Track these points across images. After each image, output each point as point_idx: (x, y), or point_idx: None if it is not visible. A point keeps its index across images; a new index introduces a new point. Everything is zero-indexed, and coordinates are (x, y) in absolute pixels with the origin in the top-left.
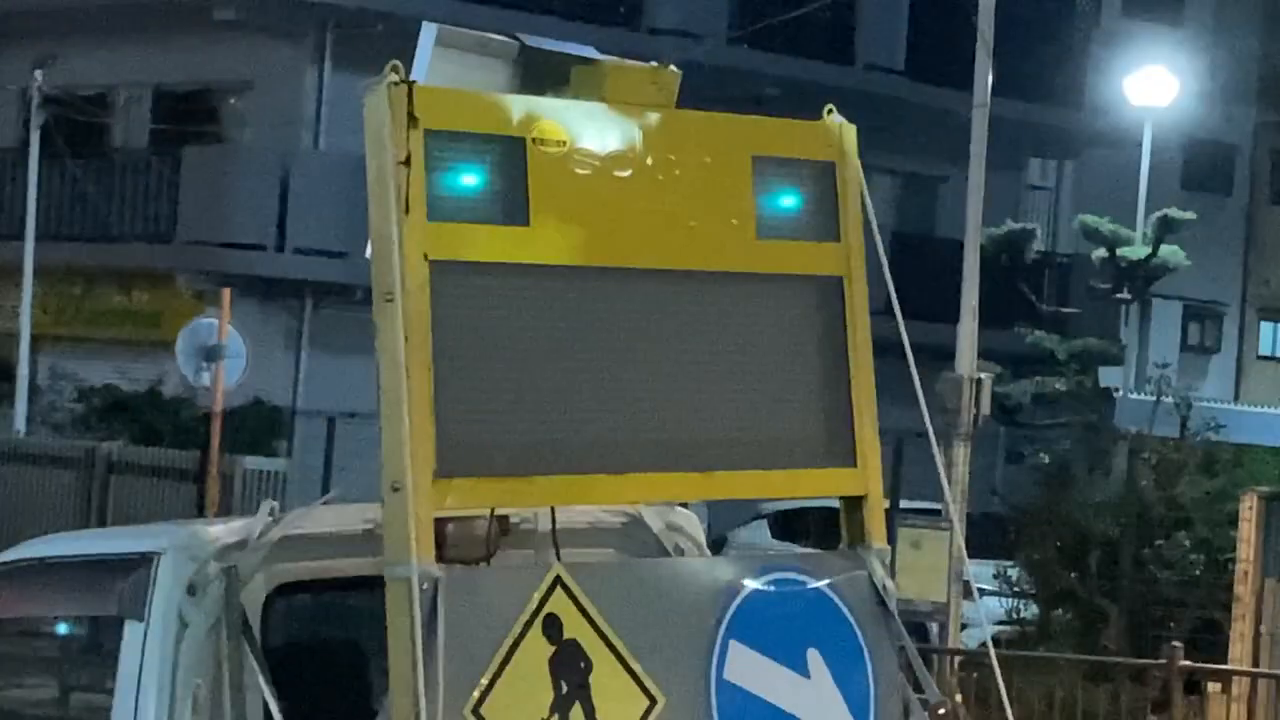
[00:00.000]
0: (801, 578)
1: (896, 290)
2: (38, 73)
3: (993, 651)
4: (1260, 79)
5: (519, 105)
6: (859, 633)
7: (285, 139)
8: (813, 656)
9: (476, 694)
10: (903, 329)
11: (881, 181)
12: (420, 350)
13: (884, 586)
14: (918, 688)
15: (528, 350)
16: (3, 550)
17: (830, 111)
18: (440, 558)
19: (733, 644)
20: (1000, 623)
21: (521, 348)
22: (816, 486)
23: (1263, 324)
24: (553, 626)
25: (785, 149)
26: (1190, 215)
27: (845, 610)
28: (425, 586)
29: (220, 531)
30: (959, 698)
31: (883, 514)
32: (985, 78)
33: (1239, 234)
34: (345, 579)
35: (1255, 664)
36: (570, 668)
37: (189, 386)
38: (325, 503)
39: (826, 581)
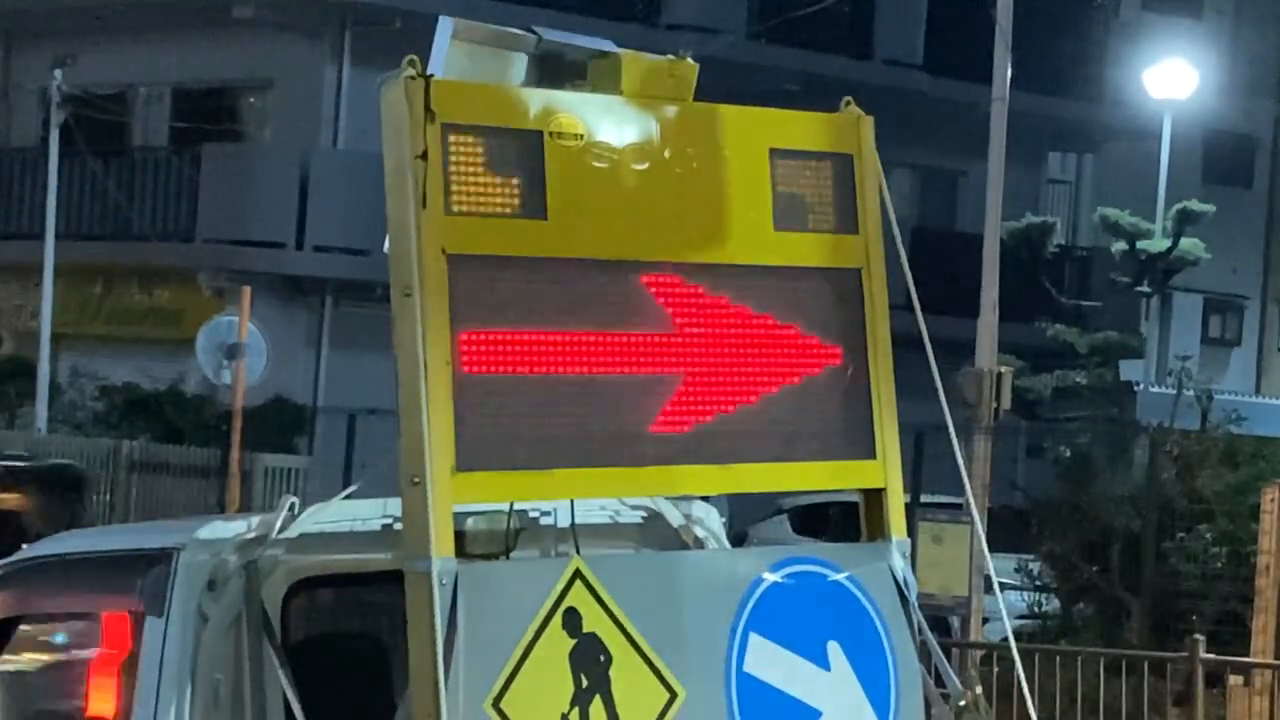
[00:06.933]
0: (821, 570)
1: (916, 284)
2: (57, 72)
3: (1014, 645)
4: None
5: (536, 99)
6: (880, 625)
7: (304, 136)
8: (833, 649)
9: (497, 688)
10: (922, 323)
11: (901, 176)
12: (438, 344)
13: (904, 579)
14: (939, 681)
15: (546, 343)
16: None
17: (848, 104)
18: (460, 552)
19: (753, 636)
20: (1022, 616)
21: (540, 341)
22: (836, 479)
23: None
24: (572, 620)
25: (803, 141)
26: (1210, 208)
27: (866, 603)
28: (445, 581)
29: (240, 527)
30: (979, 690)
31: (903, 506)
32: (1004, 71)
33: (1259, 226)
34: (365, 574)
35: (1277, 657)
36: (590, 661)
37: (210, 384)
38: (345, 498)
39: (847, 574)
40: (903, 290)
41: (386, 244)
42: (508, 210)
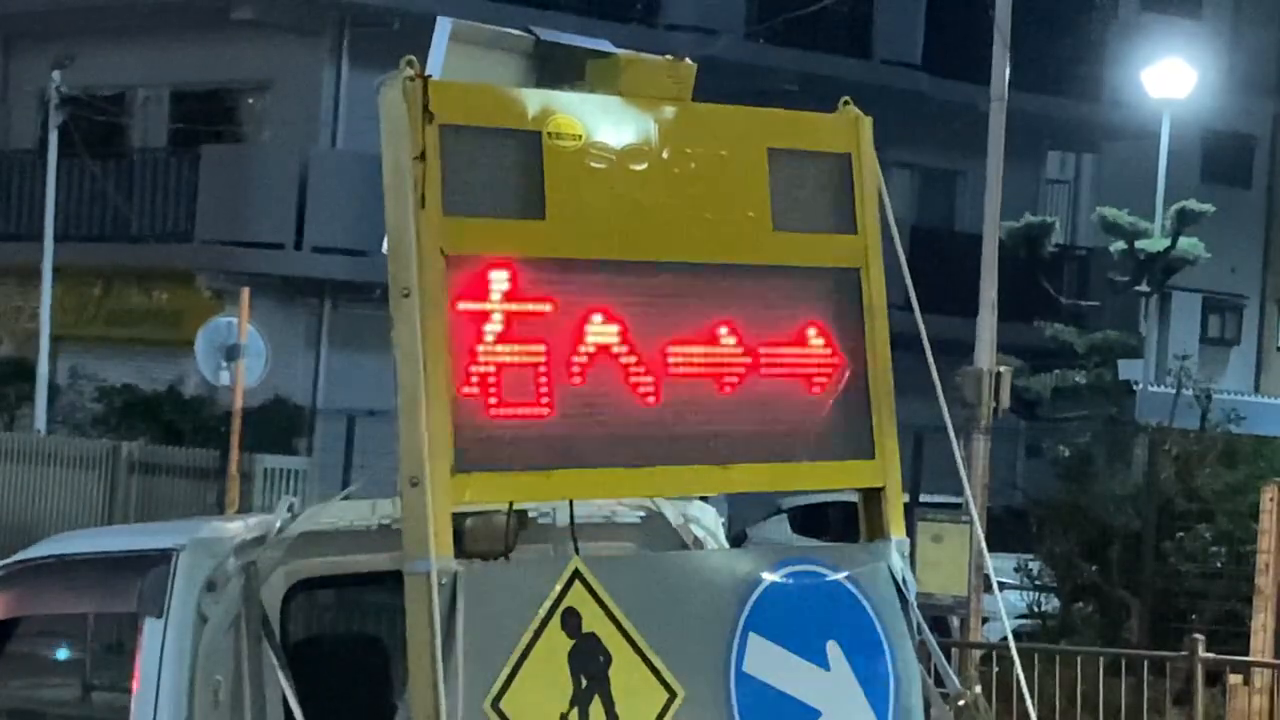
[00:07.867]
0: (821, 570)
1: (915, 284)
2: (56, 73)
3: (1014, 645)
4: (1279, 70)
5: (534, 99)
6: (879, 625)
7: (303, 137)
8: (832, 649)
9: (496, 688)
10: (921, 323)
11: (900, 176)
12: (437, 345)
13: (903, 578)
14: (939, 681)
15: (545, 343)
16: (23, 549)
17: (846, 103)
18: (459, 552)
19: (752, 637)
20: (1021, 616)
21: (539, 341)
22: (835, 479)
23: None
24: (572, 620)
25: (801, 141)
26: (1209, 207)
27: (865, 602)
28: (444, 581)
29: (239, 528)
30: (979, 690)
31: (901, 506)
32: (1003, 71)
33: (1258, 226)
34: (364, 574)
35: (1277, 656)
36: (589, 661)
37: (209, 385)
38: (344, 498)
39: (846, 574)
40: (902, 290)
41: (385, 244)
42: (506, 211)
